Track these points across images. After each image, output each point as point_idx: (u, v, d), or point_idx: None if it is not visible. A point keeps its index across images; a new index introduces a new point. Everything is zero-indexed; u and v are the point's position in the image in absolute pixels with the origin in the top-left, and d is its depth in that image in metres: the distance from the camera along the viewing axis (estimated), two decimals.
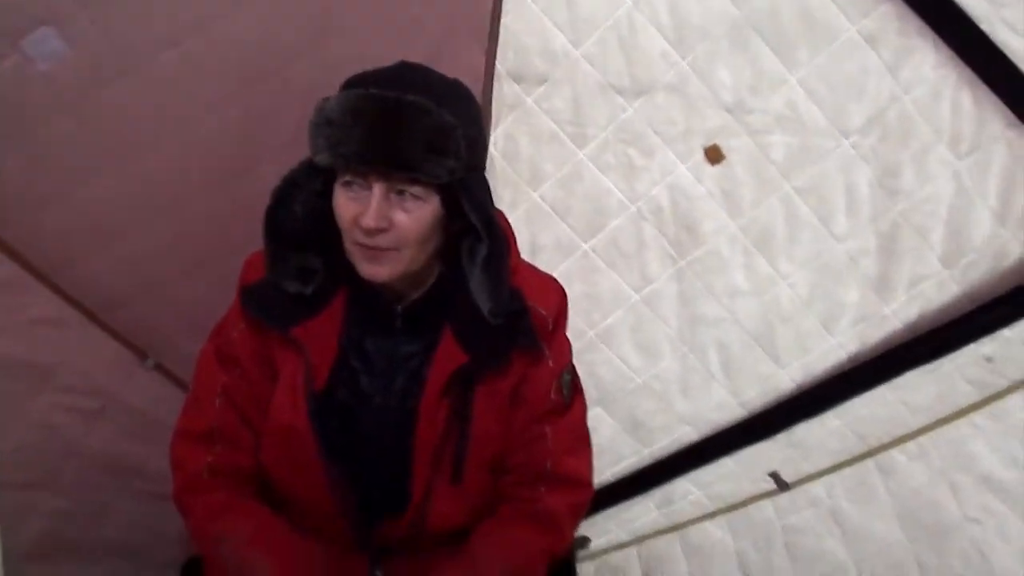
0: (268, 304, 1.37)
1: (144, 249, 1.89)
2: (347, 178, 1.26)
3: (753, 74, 1.82)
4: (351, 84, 1.26)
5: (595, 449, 1.56)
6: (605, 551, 2.38)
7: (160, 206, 1.83)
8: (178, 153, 1.77)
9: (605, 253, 2.06)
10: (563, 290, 1.50)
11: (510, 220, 1.60)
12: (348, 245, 1.30)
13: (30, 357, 1.90)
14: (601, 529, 2.35)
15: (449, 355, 1.37)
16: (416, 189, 1.24)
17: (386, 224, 1.24)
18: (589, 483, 1.54)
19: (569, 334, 1.55)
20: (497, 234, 1.34)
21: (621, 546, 2.36)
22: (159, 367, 2.06)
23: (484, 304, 1.33)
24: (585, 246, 2.06)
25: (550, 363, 1.43)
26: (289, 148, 1.58)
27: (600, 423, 2.20)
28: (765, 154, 1.90)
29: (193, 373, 1.51)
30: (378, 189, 1.23)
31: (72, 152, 1.74)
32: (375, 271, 1.29)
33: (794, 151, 1.89)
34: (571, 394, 1.49)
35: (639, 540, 2.33)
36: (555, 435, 1.46)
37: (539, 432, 1.45)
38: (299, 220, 1.33)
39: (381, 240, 1.26)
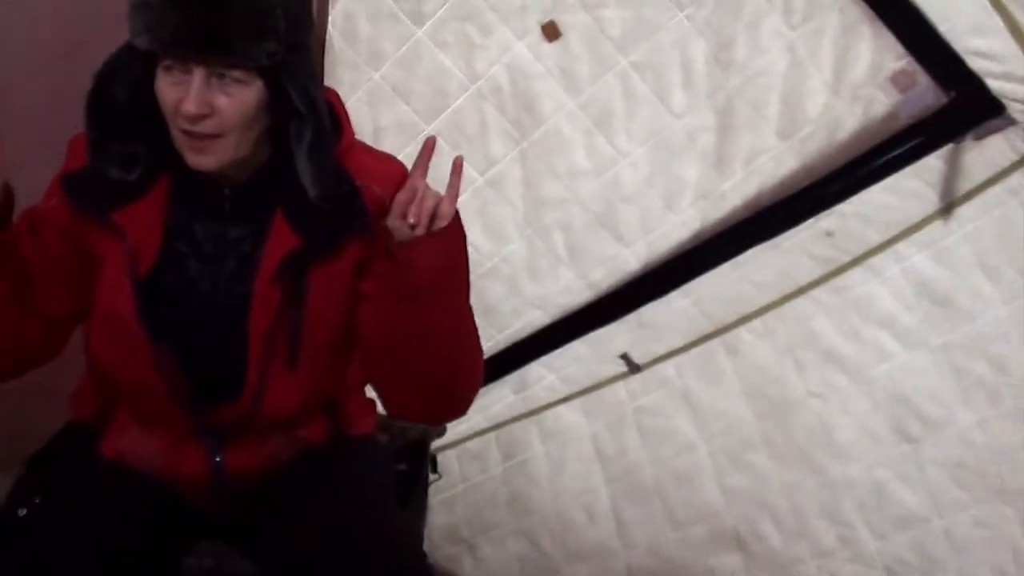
0: (89, 189, 1.48)
1: None
2: (167, 63, 1.36)
3: None
4: None
5: None
6: (465, 438, 2.72)
7: None
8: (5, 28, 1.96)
9: (448, 135, 2.29)
10: (403, 167, 1.59)
11: (350, 102, 1.87)
12: (173, 131, 1.41)
13: None
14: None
15: (280, 238, 1.50)
16: (237, 73, 1.36)
17: (207, 110, 1.36)
18: None
19: None
20: (321, 116, 1.44)
21: (480, 433, 2.69)
22: None
23: (310, 188, 1.46)
24: (427, 128, 2.30)
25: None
26: (123, 22, 1.89)
27: None
28: (601, 29, 2.12)
29: None
30: (198, 74, 1.34)
31: None
32: (201, 160, 1.42)
33: (629, 25, 2.11)
34: None
35: (497, 426, 2.66)
36: None
37: None
38: (121, 105, 1.43)
39: (204, 126, 1.38)
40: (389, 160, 1.63)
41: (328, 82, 2.24)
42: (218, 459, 1.64)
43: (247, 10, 1.32)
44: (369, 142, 1.78)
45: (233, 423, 1.61)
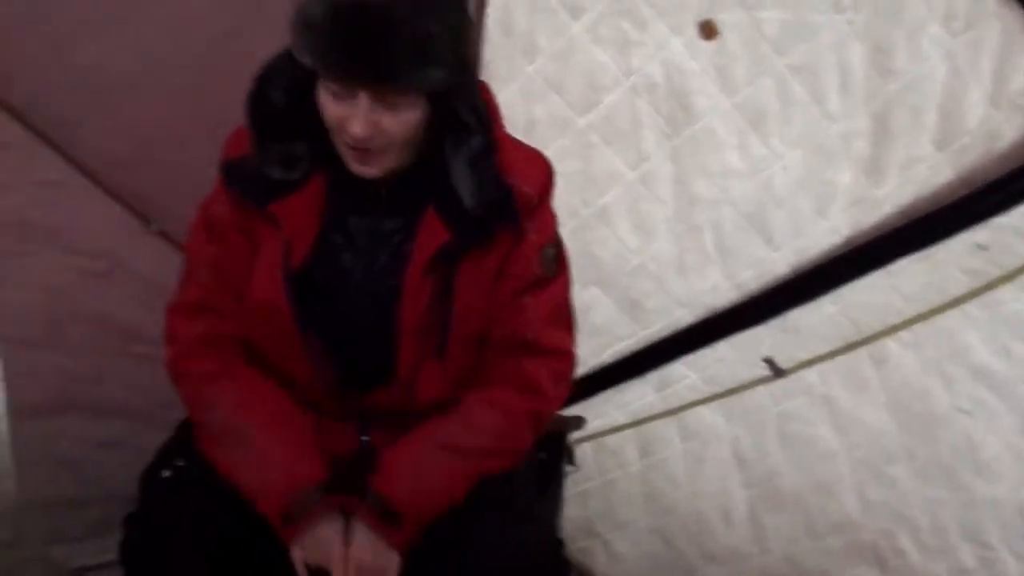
0: (249, 180, 1.70)
1: (143, 114, 2.47)
2: (332, 85, 1.54)
3: None
4: None
5: (592, 330, 2.00)
6: (602, 433, 3.00)
7: (157, 72, 2.37)
8: (173, 18, 2.30)
9: (600, 129, 2.59)
10: (549, 165, 1.80)
11: (503, 94, 2.07)
12: (335, 139, 1.61)
13: (36, 218, 2.56)
14: (598, 411, 2.92)
15: (432, 233, 1.69)
16: (403, 96, 1.54)
17: (374, 131, 1.54)
18: (569, 352, 1.90)
19: (564, 212, 1.91)
20: (488, 129, 1.65)
21: (618, 429, 2.97)
22: (162, 233, 2.71)
23: (467, 198, 1.65)
24: (580, 122, 2.60)
25: (532, 237, 1.76)
26: (283, 18, 2.28)
27: (597, 303, 2.77)
28: (759, 30, 2.36)
29: (186, 245, 1.92)
30: (364, 99, 1.52)
31: (70, 15, 2.33)
32: (364, 170, 1.62)
33: (788, 27, 2.32)
34: (554, 268, 1.84)
35: (636, 423, 2.95)
36: (536, 307, 1.81)
37: (520, 304, 1.79)
38: (281, 107, 1.63)
39: (370, 143, 1.57)
40: (536, 158, 1.82)
41: (483, 74, 2.54)
42: (366, 438, 1.92)
43: (414, 38, 1.46)
44: (521, 134, 2.00)
45: (382, 407, 1.87)
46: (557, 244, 1.87)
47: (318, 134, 1.65)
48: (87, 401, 2.80)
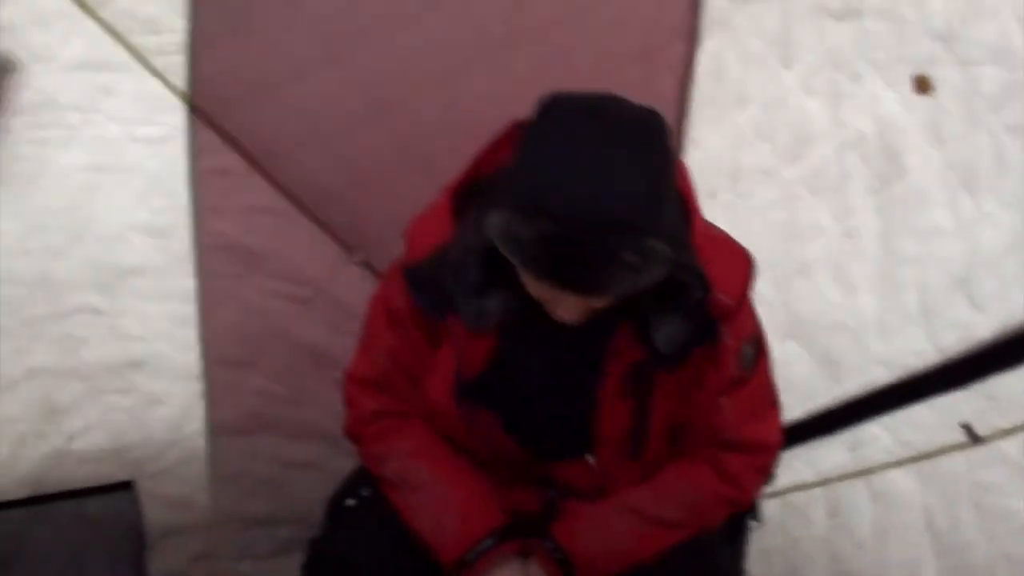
0: (429, 288, 1.77)
1: (359, 147, 2.68)
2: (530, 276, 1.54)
3: (965, 1, 2.37)
4: (535, 192, 1.48)
5: (785, 384, 2.10)
6: (790, 490, 3.07)
7: (377, 106, 2.56)
8: (398, 55, 2.48)
9: (807, 181, 2.68)
10: (750, 262, 1.79)
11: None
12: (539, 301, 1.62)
13: (245, 241, 2.84)
14: (787, 466, 3.08)
15: (625, 348, 1.76)
16: None
17: (582, 313, 1.62)
18: (773, 443, 1.97)
19: (766, 263, 1.91)
20: (706, 286, 1.68)
21: (806, 487, 3.05)
22: (366, 264, 2.93)
23: (662, 342, 1.71)
24: (787, 172, 2.70)
25: (730, 342, 1.79)
26: (503, 52, 2.38)
27: (795, 359, 2.85)
28: (975, 86, 2.42)
29: (365, 313, 2.01)
30: (573, 300, 1.57)
31: (294, 47, 2.54)
32: (565, 320, 1.65)
33: (1005, 85, 2.37)
34: (753, 363, 1.87)
35: (825, 482, 3.01)
36: (734, 407, 1.86)
37: (719, 404, 1.85)
38: (475, 274, 1.70)
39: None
40: (736, 255, 1.81)
41: (692, 121, 2.73)
42: (553, 498, 2.01)
43: (631, 260, 1.47)
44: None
45: (570, 481, 1.94)
46: (755, 339, 1.90)
47: (512, 284, 1.66)
48: (283, 423, 3.06)
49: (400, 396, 1.97)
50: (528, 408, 1.86)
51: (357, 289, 2.93)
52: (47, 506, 2.89)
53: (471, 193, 1.78)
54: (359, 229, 2.92)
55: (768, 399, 1.98)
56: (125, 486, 2.88)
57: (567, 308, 1.59)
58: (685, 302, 1.67)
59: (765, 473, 2.02)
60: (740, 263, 1.81)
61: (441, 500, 1.92)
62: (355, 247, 2.95)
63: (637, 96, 1.65)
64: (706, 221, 1.79)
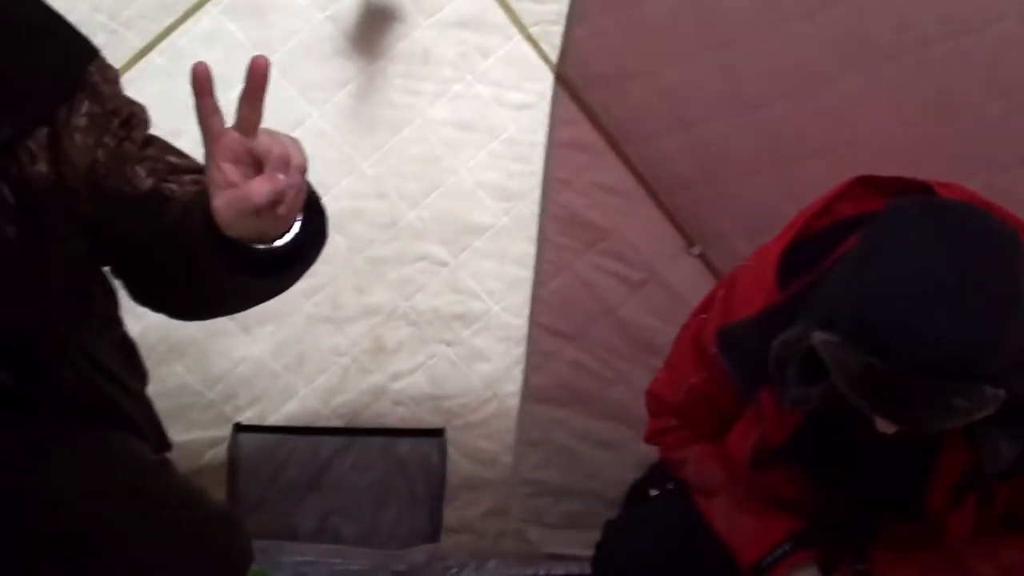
0: (741, 356, 1.74)
1: (718, 139, 2.64)
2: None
3: None
4: (867, 323, 1.40)
5: None
6: None
7: (743, 101, 2.53)
8: (767, 51, 2.43)
9: None
10: None
11: None
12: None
13: (588, 216, 2.87)
14: None
15: (955, 456, 1.66)
16: None
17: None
18: None
19: None
20: None
21: None
22: (703, 256, 2.90)
23: (988, 464, 1.56)
24: None
25: None
26: (881, 63, 2.21)
27: None
28: None
29: (677, 335, 2.03)
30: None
31: (672, 31, 2.54)
32: (887, 432, 1.53)
33: None
34: None
35: None
36: None
37: None
38: (799, 370, 1.58)
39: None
40: None
41: None
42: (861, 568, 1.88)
43: (962, 401, 1.38)
44: None
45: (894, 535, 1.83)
46: None
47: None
48: (593, 399, 3.08)
49: (698, 427, 1.98)
50: (834, 479, 1.79)
51: (690, 280, 2.92)
52: (360, 439, 3.04)
53: (800, 250, 1.75)
54: (702, 221, 2.88)
55: None
56: (436, 432, 2.99)
57: (887, 426, 1.49)
58: (1017, 424, 1.49)
59: None
60: None
61: (739, 501, 1.90)
62: (695, 238, 2.91)
63: None
64: None
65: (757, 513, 1.88)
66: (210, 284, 1.45)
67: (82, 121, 1.58)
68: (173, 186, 1.55)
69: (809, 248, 1.79)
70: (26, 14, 1.58)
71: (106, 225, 1.59)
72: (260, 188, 1.18)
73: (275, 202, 1.20)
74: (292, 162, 1.19)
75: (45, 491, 1.57)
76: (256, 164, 1.21)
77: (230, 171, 1.21)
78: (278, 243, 1.32)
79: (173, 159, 1.62)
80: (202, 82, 1.18)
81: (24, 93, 1.48)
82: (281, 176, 1.17)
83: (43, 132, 1.56)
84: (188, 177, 1.62)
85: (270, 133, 1.21)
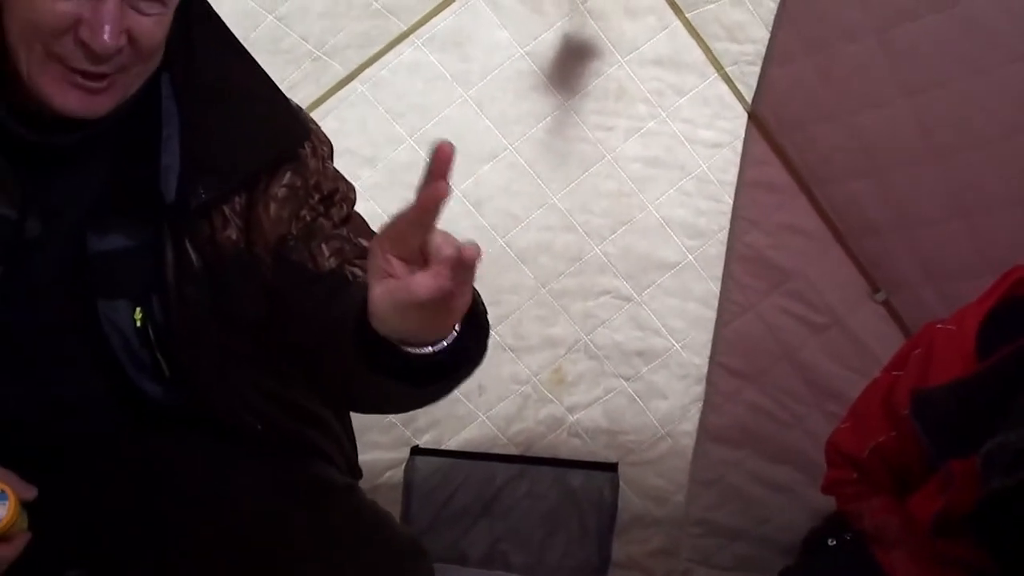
0: (934, 423, 1.75)
1: (908, 186, 2.63)
2: None
3: None
4: None
5: None
6: None
7: (933, 147, 2.52)
8: (962, 99, 2.42)
9: None
10: None
11: None
12: None
13: (774, 257, 2.87)
14: None
15: None
16: None
17: None
18: None
19: None
20: None
21: None
22: (887, 303, 2.87)
23: None
24: None
25: None
26: None
27: None
28: None
29: (864, 389, 2.07)
30: None
31: (860, 76, 2.55)
32: None
33: None
34: None
35: None
36: None
37: None
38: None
39: None
40: None
41: None
42: None
43: None
44: None
45: None
46: None
47: None
48: (770, 442, 3.06)
49: (876, 485, 1.98)
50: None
51: (872, 328, 2.91)
52: (534, 468, 3.10)
53: (1003, 317, 1.75)
54: (888, 268, 2.85)
55: None
56: (610, 467, 3.03)
57: None
58: None
59: None
60: None
61: (919, 556, 1.87)
62: (880, 284, 2.89)
63: None
64: None
65: (938, 569, 1.84)
66: (349, 379, 1.36)
67: (281, 192, 1.57)
68: (358, 270, 1.50)
69: (1012, 314, 1.78)
70: (249, 83, 1.63)
71: (287, 297, 1.54)
72: (425, 282, 1.07)
73: (438, 301, 1.09)
74: (463, 262, 1.06)
75: (234, 509, 1.65)
76: (424, 261, 1.10)
77: (397, 264, 1.11)
78: (428, 349, 1.21)
79: (366, 242, 1.56)
80: (442, 162, 1.03)
81: (230, 162, 1.50)
82: (448, 272, 1.06)
83: (240, 198, 1.60)
84: None
85: (444, 234, 1.10)
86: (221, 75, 1.56)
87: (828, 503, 2.31)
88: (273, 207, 1.56)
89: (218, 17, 1.57)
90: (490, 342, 2.48)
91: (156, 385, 1.61)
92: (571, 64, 2.67)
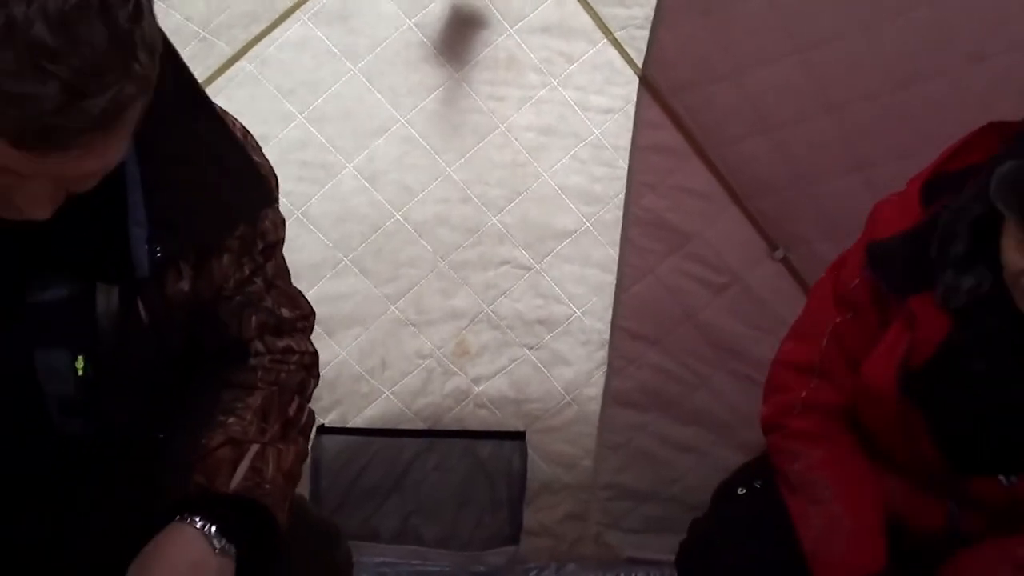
0: (891, 266, 1.77)
1: (801, 143, 2.64)
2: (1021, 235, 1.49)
3: None
4: None
5: None
6: None
7: (827, 101, 2.53)
8: (852, 54, 2.43)
9: None
10: None
11: None
12: (1008, 280, 1.61)
13: (671, 220, 2.87)
14: None
15: None
16: None
17: None
18: None
19: None
20: None
21: None
22: (785, 260, 2.90)
23: None
24: None
25: None
26: (968, 65, 2.19)
27: None
28: None
29: (806, 302, 2.07)
30: None
31: (759, 34, 2.54)
32: None
33: None
34: None
35: None
36: None
37: None
38: (965, 243, 1.66)
39: None
40: None
41: None
42: (954, 507, 1.94)
43: None
44: None
45: (983, 498, 1.84)
46: None
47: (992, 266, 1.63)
48: (676, 404, 3.09)
49: (833, 382, 1.96)
50: (964, 412, 1.78)
51: (772, 285, 2.93)
52: (442, 441, 3.08)
53: (937, 187, 1.77)
54: (786, 226, 2.87)
55: None
56: (518, 436, 3.02)
57: None
58: None
59: None
60: None
61: (833, 522, 1.88)
62: (778, 242, 2.90)
63: None
64: None
65: (848, 539, 1.87)
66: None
67: (235, 244, 1.58)
68: (261, 347, 1.70)
69: (946, 184, 1.82)
70: (219, 149, 1.58)
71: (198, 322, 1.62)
72: None
73: None
74: None
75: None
76: None
77: None
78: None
79: (286, 312, 1.72)
80: None
81: (190, 224, 1.48)
82: None
83: (193, 253, 1.58)
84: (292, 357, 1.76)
85: None
86: (186, 137, 1.50)
87: (737, 461, 2.39)
88: (226, 257, 1.57)
89: (188, 71, 1.51)
90: (392, 317, 2.46)
91: (78, 423, 1.59)
92: (460, 34, 2.63)
